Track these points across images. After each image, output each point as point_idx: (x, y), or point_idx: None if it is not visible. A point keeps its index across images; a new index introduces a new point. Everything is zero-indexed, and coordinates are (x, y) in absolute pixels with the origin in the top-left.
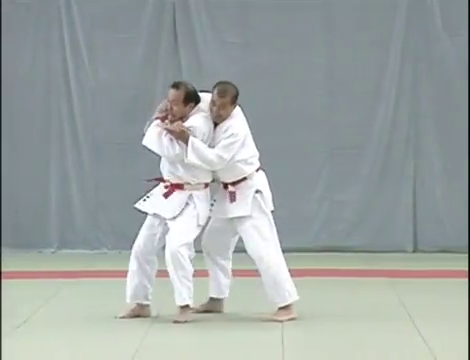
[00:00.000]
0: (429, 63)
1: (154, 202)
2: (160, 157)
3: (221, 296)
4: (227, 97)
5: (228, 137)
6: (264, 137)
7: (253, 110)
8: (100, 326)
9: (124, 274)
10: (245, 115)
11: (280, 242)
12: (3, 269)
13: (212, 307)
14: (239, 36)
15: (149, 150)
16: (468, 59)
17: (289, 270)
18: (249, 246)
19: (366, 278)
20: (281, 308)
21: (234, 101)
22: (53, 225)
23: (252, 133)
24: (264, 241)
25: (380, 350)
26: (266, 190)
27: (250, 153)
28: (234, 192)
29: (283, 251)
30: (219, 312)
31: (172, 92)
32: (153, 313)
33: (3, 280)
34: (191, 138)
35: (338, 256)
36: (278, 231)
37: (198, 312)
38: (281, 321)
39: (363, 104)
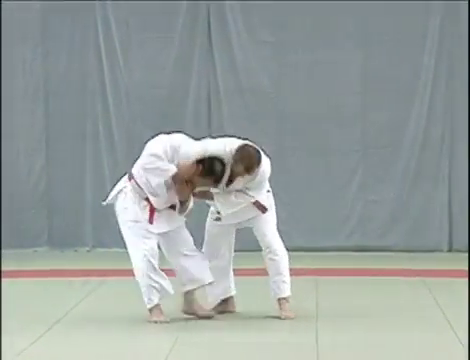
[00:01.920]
0: (464, 62)
1: (159, 220)
2: None
3: (228, 295)
4: (254, 170)
5: (261, 182)
6: (298, 136)
7: (287, 109)
8: (135, 325)
9: None
10: (279, 114)
11: (314, 241)
12: (39, 267)
13: (224, 308)
14: (273, 35)
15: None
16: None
17: (325, 269)
18: (263, 238)
19: (400, 278)
20: (282, 301)
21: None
22: (88, 224)
23: (286, 131)
24: (276, 234)
25: (415, 350)
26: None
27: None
28: (259, 202)
29: (317, 250)
30: (232, 312)
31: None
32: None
33: (38, 279)
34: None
35: (372, 256)
36: (312, 230)
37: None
38: (292, 317)
39: (398, 103)
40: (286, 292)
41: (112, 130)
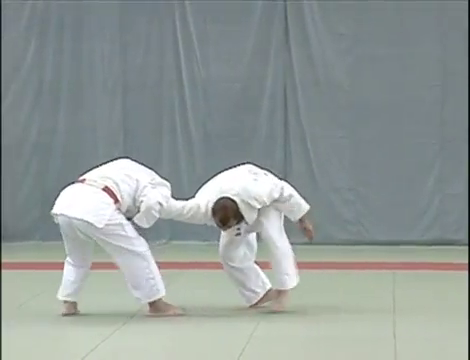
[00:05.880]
0: None
1: None
2: None
3: (263, 292)
4: (229, 223)
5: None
6: (374, 129)
7: (363, 102)
8: (211, 317)
9: None
10: (355, 107)
11: (391, 235)
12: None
13: (267, 299)
14: (350, 28)
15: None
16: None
17: (402, 263)
18: (264, 232)
19: None
20: (281, 293)
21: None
22: None
23: (362, 125)
24: (277, 229)
25: None
26: None
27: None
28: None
29: (394, 244)
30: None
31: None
32: (264, 305)
33: (114, 271)
34: None
35: (449, 249)
36: (389, 224)
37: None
38: (282, 310)
39: None
40: (285, 285)
41: (188, 123)
